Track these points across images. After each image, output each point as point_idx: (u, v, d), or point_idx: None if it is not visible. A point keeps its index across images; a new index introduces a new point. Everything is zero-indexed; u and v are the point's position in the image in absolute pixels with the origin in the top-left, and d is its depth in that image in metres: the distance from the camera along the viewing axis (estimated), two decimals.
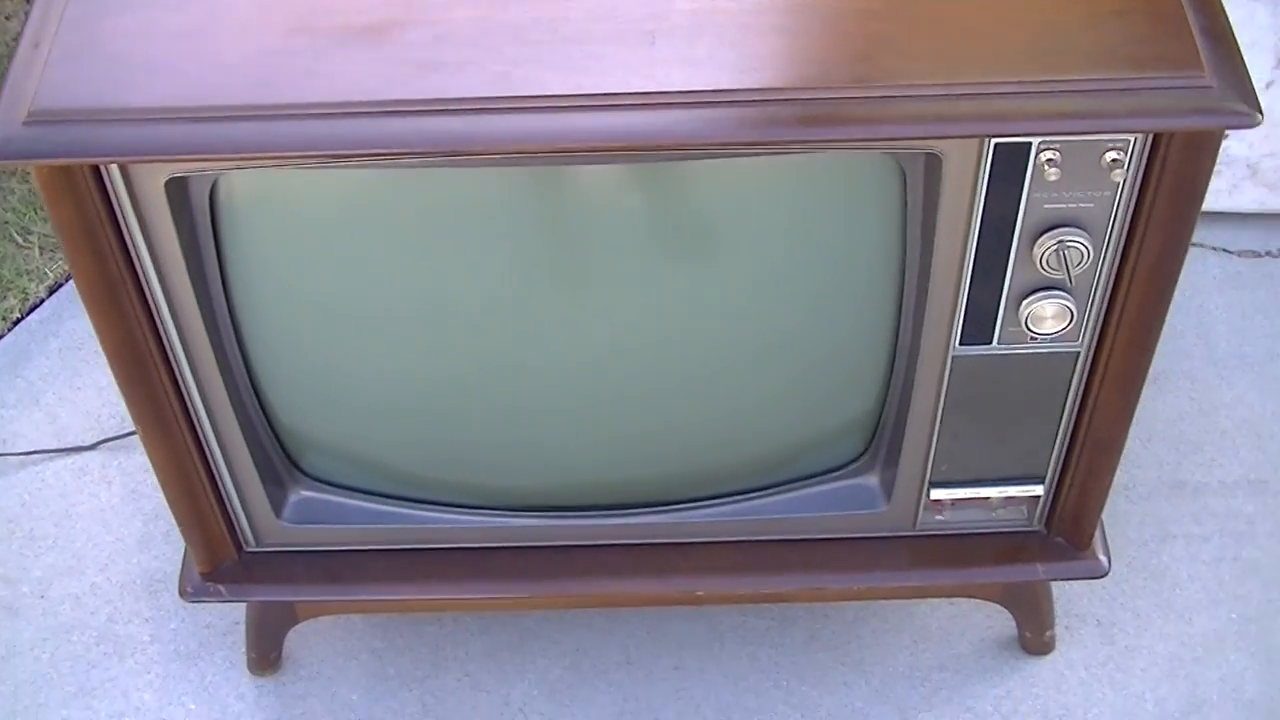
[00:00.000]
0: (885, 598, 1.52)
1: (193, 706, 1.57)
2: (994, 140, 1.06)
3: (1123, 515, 1.68)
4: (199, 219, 1.15)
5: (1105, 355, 1.23)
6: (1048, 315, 1.18)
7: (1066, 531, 1.40)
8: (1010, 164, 1.08)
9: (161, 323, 1.21)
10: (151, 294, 1.18)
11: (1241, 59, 1.05)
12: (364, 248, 1.19)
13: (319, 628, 1.62)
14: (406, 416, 1.34)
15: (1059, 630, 1.58)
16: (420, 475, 1.39)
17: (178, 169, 1.09)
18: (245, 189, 1.14)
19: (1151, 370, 1.73)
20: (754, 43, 1.05)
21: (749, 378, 1.29)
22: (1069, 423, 1.30)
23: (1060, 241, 1.12)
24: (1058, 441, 1.32)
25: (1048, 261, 1.14)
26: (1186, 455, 1.73)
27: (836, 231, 1.18)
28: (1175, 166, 1.08)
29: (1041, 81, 1.03)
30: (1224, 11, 1.08)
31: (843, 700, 1.55)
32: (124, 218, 1.13)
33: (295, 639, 1.60)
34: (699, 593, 1.41)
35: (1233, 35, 1.07)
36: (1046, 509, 1.39)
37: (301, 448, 1.38)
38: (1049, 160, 1.07)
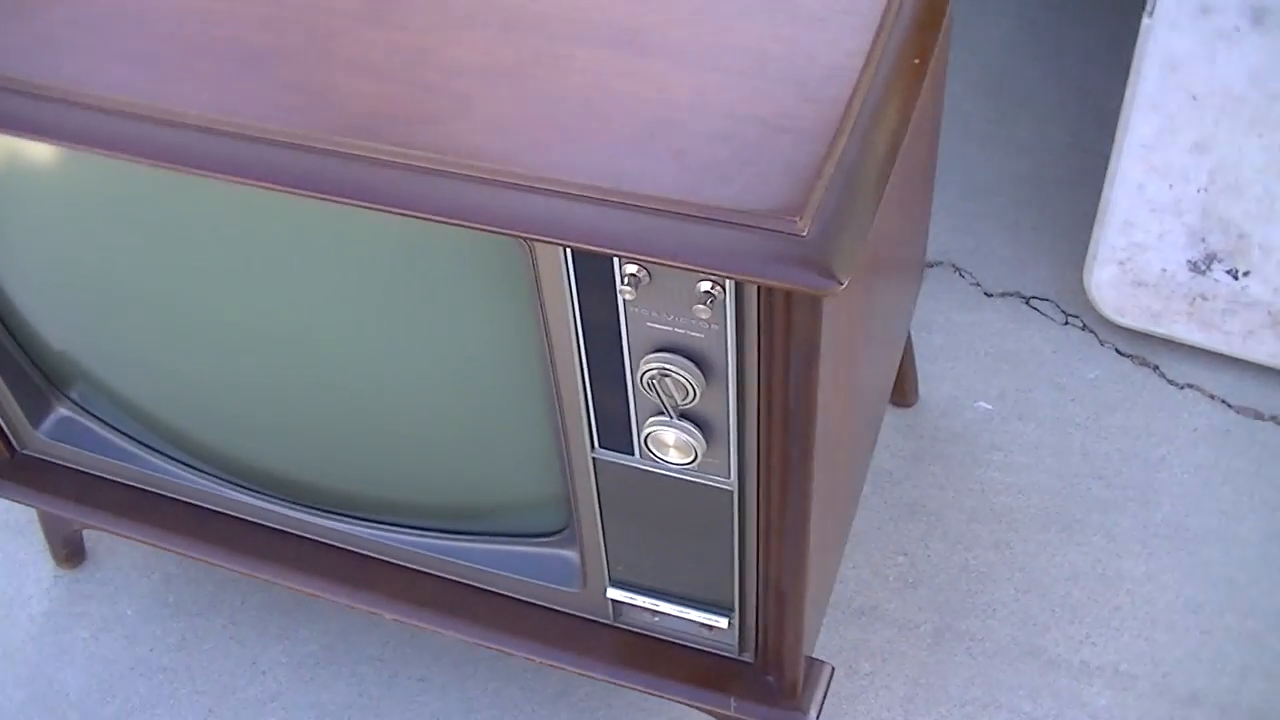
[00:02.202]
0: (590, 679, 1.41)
1: None
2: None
3: (955, 666, 1.50)
4: None
5: (764, 498, 1.09)
6: (668, 443, 1.05)
7: (773, 671, 1.26)
8: (594, 271, 0.96)
9: None
10: None
11: (865, 214, 0.89)
12: (69, 198, 1.18)
13: None
14: (137, 361, 1.33)
15: None
16: (162, 425, 1.38)
17: None
18: None
19: (1069, 515, 1.57)
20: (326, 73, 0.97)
21: (417, 419, 1.21)
22: (746, 558, 1.16)
23: (659, 369, 0.99)
24: (737, 575, 1.18)
25: (648, 386, 1.01)
26: (1060, 621, 1.53)
27: (472, 299, 1.08)
28: (782, 317, 0.94)
29: (615, 191, 0.90)
30: (882, 162, 0.92)
31: None
32: None
33: (105, 539, 1.64)
34: (387, 616, 1.35)
35: (875, 186, 0.91)
36: (753, 641, 1.26)
37: (68, 372, 1.39)
38: (632, 276, 0.94)
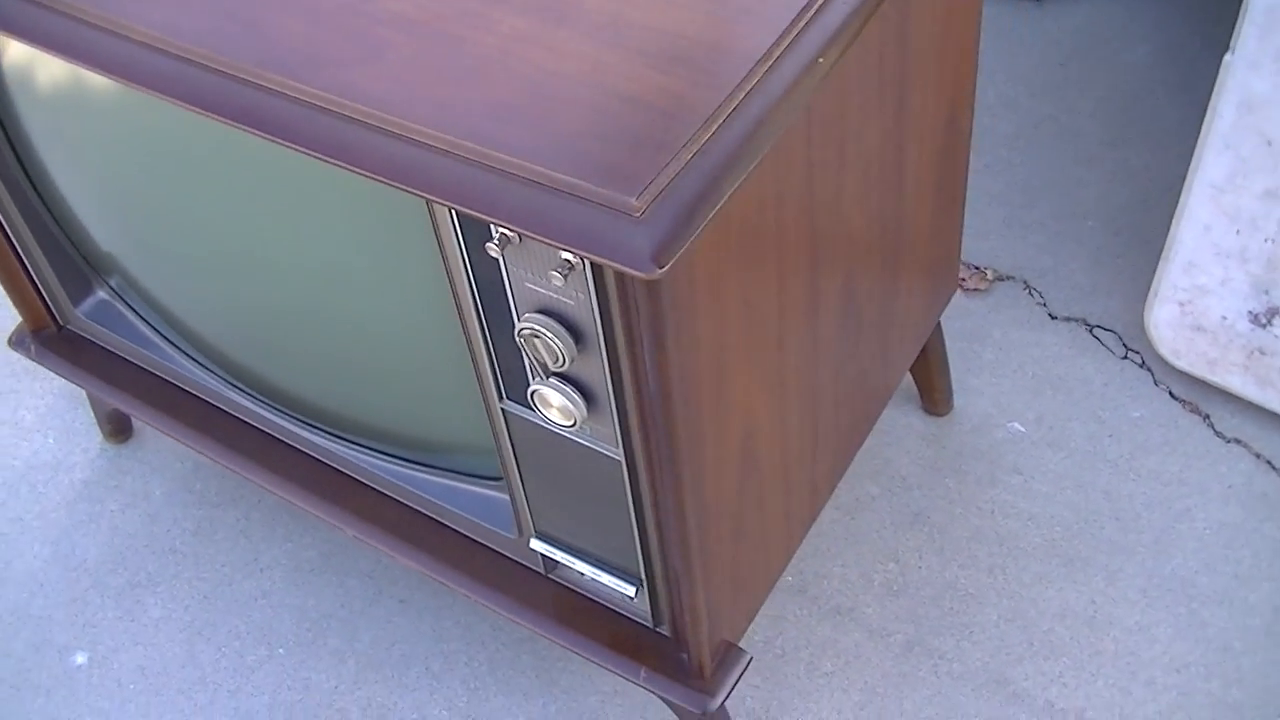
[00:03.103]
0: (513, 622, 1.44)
1: (51, 441, 1.77)
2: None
3: (916, 682, 1.47)
4: None
5: (651, 478, 1.11)
6: (552, 404, 1.08)
7: (686, 648, 1.27)
8: (475, 227, 0.99)
9: None
10: None
11: (706, 205, 0.90)
12: (83, 116, 1.27)
13: None
14: (154, 264, 1.42)
15: None
16: (174, 318, 1.47)
17: None
18: None
19: (1075, 550, 1.54)
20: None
21: (367, 351, 1.27)
22: (646, 530, 1.17)
23: (531, 330, 1.02)
24: (638, 546, 1.19)
25: (522, 346, 1.03)
26: (1036, 656, 1.48)
27: (401, 244, 1.12)
28: (631, 292, 0.95)
29: (473, 149, 0.93)
30: (746, 155, 0.92)
31: (511, 707, 1.50)
32: None
33: None
34: (349, 531, 1.41)
35: (728, 179, 0.91)
36: (667, 614, 1.27)
37: (104, 261, 1.49)
38: (503, 235, 0.97)
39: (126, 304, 1.51)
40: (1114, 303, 1.76)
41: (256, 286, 1.31)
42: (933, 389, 1.64)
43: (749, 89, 0.94)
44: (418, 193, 0.94)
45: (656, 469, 1.08)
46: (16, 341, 1.60)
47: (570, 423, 1.08)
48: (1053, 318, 1.76)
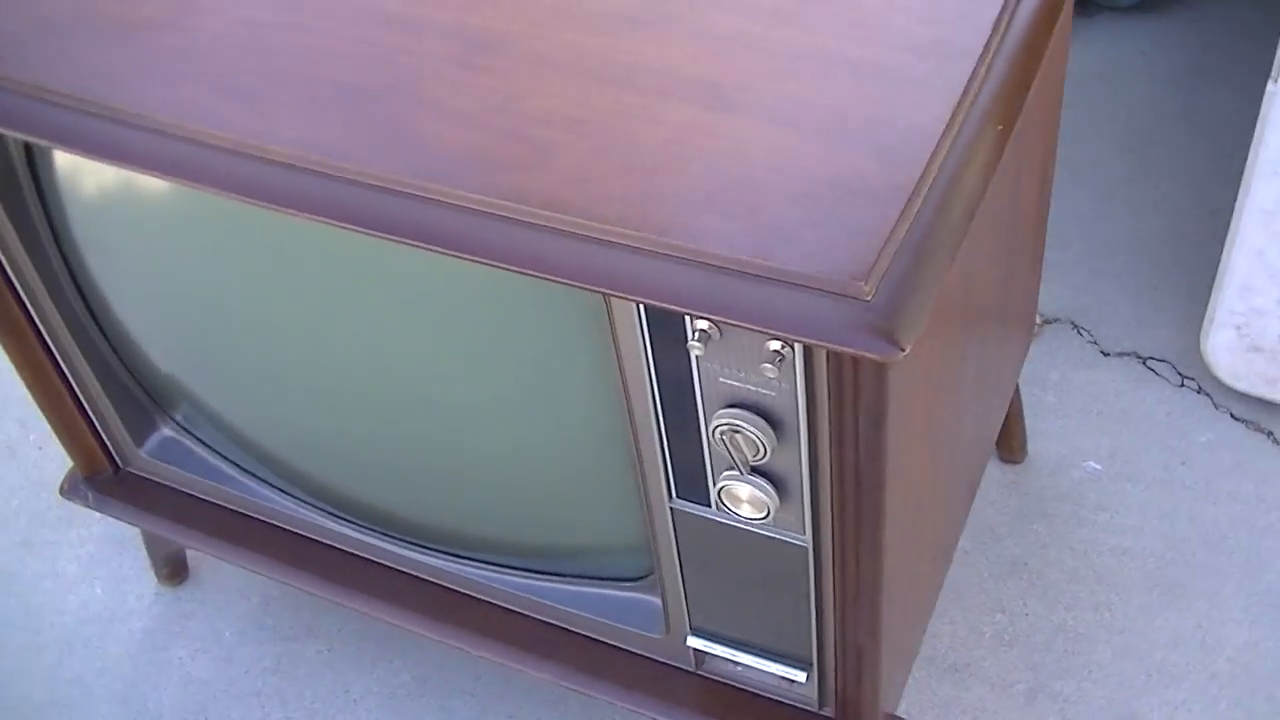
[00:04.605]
0: None
1: (100, 591, 1.69)
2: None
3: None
4: (18, 168, 1.21)
5: (838, 556, 1.08)
6: (742, 498, 1.05)
7: None
8: (665, 325, 0.96)
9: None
10: None
11: (934, 280, 0.89)
12: (153, 224, 1.22)
13: None
14: (229, 387, 1.37)
15: None
16: (255, 449, 1.41)
17: None
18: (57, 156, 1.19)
19: (1172, 578, 1.54)
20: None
21: (503, 458, 1.23)
22: (823, 615, 1.15)
23: (730, 425, 0.99)
24: (814, 632, 1.17)
25: (720, 440, 1.01)
26: (1157, 686, 1.48)
27: (555, 348, 1.09)
28: (851, 381, 0.93)
29: (688, 250, 0.90)
30: (956, 228, 0.91)
31: None
32: None
33: (210, 561, 1.68)
34: (473, 652, 1.36)
35: (947, 252, 0.90)
36: (833, 696, 1.25)
37: (168, 393, 1.43)
38: (702, 331, 0.95)
39: (195, 438, 1.45)
40: (1162, 333, 1.79)
41: (371, 406, 1.26)
42: (1010, 436, 1.65)
43: (941, 160, 0.94)
44: (620, 295, 0.91)
45: (851, 551, 1.06)
46: (70, 490, 1.52)
47: (761, 515, 1.06)
48: (1105, 354, 1.78)
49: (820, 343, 0.87)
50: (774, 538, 1.09)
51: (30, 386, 1.41)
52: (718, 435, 1.00)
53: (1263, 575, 1.56)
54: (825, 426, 0.98)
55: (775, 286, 0.88)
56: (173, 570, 1.67)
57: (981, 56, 0.99)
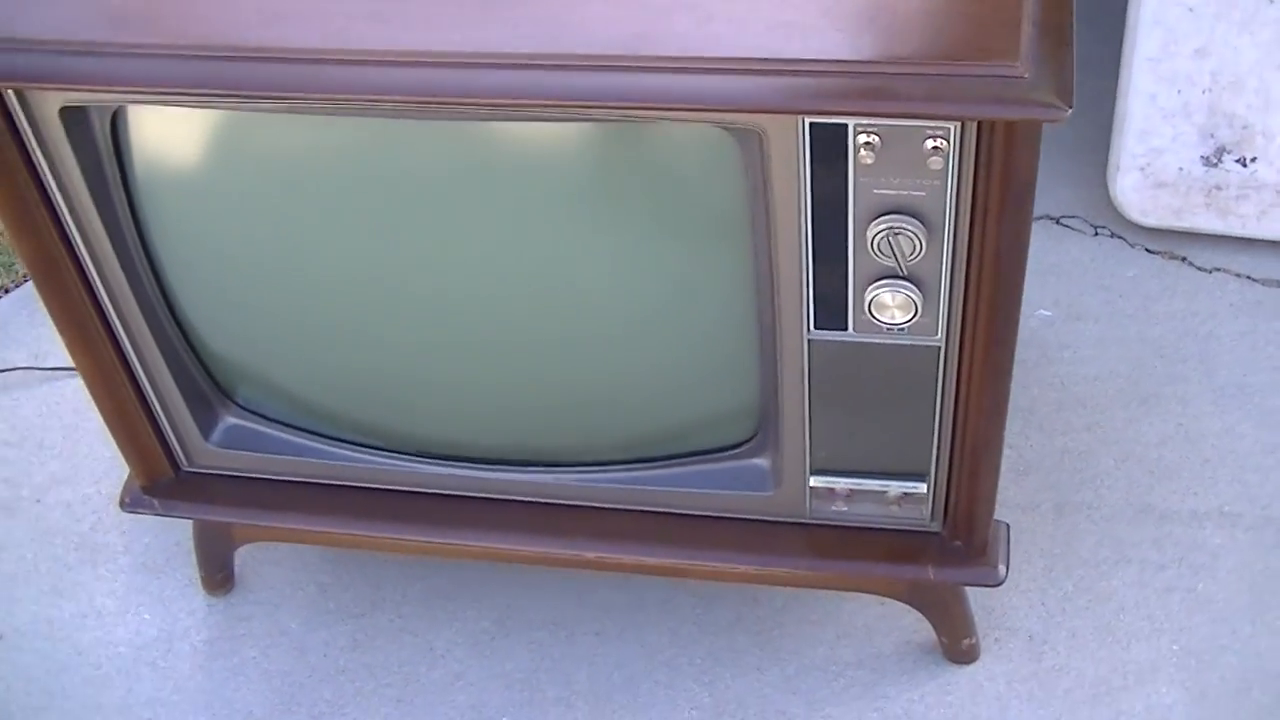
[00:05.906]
0: (780, 584, 1.51)
1: (148, 617, 1.67)
2: (807, 119, 1.06)
3: (1080, 534, 1.63)
4: (101, 147, 1.24)
5: (968, 351, 1.21)
6: (892, 304, 1.17)
7: (962, 535, 1.38)
8: (830, 145, 1.08)
9: (74, 244, 1.30)
10: (62, 216, 1.27)
11: (1067, 52, 1.03)
12: (247, 190, 1.26)
13: (274, 556, 1.70)
14: (312, 353, 1.40)
15: (987, 642, 1.55)
16: (335, 413, 1.45)
17: (68, 98, 1.18)
18: (142, 123, 1.22)
19: (1143, 391, 1.72)
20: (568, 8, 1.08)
21: (617, 346, 1.31)
22: (943, 420, 1.28)
23: (890, 228, 1.12)
24: (935, 439, 1.30)
25: (879, 248, 1.13)
26: (1161, 480, 1.67)
27: (681, 205, 1.19)
28: (1001, 159, 1.07)
29: (851, 62, 1.02)
30: (1065, 4, 1.06)
31: (753, 685, 1.55)
32: (29, 142, 1.22)
33: (250, 565, 1.69)
34: (588, 556, 1.44)
35: (1066, 28, 1.05)
36: (942, 509, 1.37)
37: (232, 377, 1.46)
38: (866, 144, 1.07)
39: (261, 416, 1.47)
40: (1065, 192, 2.00)
41: (465, 322, 1.32)
42: None
43: None
44: (807, 111, 1.03)
45: (982, 344, 1.20)
46: (132, 502, 1.52)
47: (909, 317, 1.18)
48: None
49: (1007, 116, 1.00)
50: (908, 344, 1.21)
51: (98, 396, 1.42)
52: (876, 243, 1.12)
53: (1218, 373, 1.77)
54: (967, 218, 1.11)
55: (935, 79, 1.01)
56: (224, 577, 1.67)
57: None
